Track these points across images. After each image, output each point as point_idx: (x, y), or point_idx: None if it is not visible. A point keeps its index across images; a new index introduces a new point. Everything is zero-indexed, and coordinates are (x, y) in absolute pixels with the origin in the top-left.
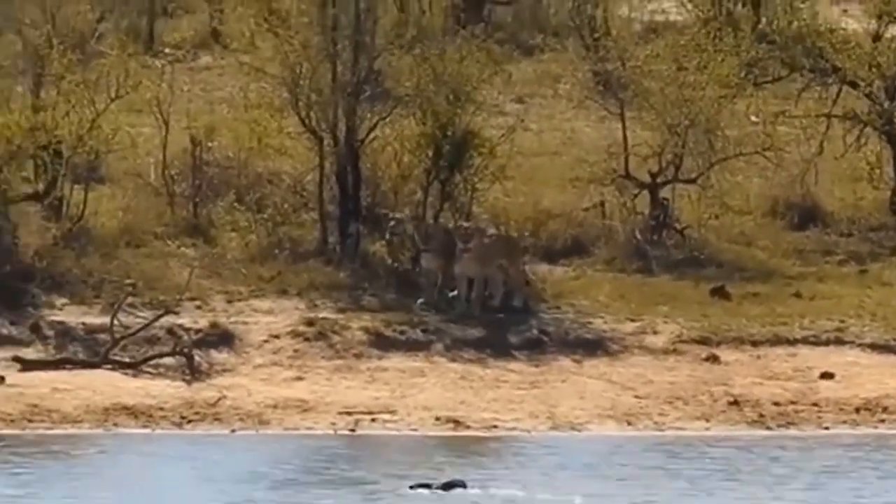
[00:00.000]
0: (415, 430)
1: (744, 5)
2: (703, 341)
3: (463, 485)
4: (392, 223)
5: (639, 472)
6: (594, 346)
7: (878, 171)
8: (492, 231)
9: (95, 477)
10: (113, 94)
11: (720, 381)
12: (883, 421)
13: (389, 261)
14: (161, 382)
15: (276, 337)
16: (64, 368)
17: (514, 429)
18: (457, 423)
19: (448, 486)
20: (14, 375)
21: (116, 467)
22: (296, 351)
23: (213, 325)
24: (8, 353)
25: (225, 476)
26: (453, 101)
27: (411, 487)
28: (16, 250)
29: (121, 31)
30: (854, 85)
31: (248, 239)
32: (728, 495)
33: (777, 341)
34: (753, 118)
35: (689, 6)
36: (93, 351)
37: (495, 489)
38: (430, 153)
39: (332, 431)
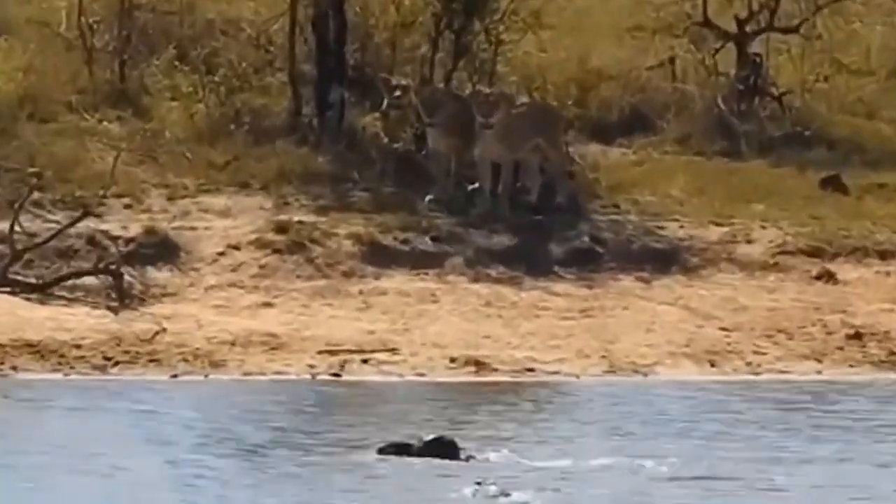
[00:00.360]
0: (423, 374)
1: None
2: (813, 252)
3: (452, 449)
4: (397, 93)
5: (736, 432)
6: (666, 260)
7: None
8: (523, 99)
9: None
10: None
11: (837, 308)
12: None
13: (385, 140)
14: (78, 311)
15: (236, 248)
16: None
17: (557, 372)
18: (480, 364)
19: (429, 450)
20: None
21: (19, 424)
22: (262, 267)
23: (150, 231)
24: None
25: (161, 436)
26: None
27: (380, 451)
28: None
29: None
30: None
31: (195, 110)
32: (873, 460)
33: None
34: None
35: None
36: None
37: (521, 456)
38: None
39: (310, 377)
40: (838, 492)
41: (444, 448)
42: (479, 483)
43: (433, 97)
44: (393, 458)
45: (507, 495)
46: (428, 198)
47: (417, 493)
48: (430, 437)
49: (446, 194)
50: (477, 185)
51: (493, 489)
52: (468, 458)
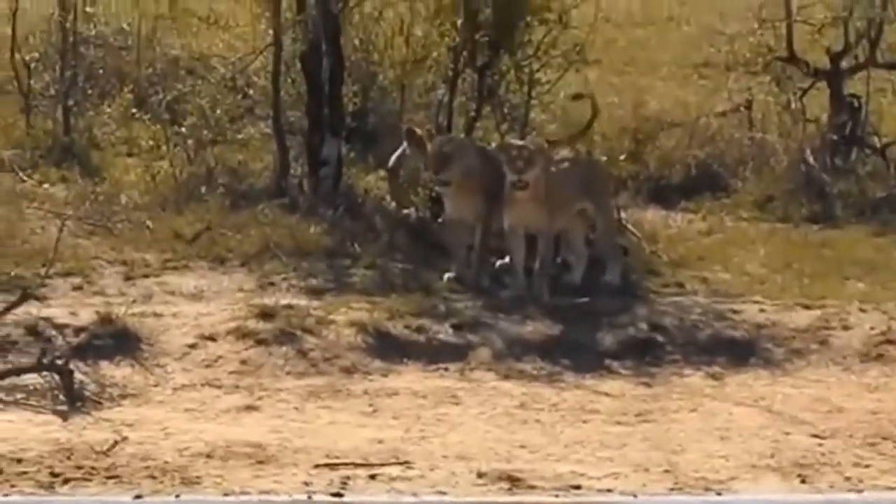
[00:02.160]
0: (443, 493)
1: None
2: None
3: None
4: (403, 151)
5: None
6: (743, 351)
7: None
8: (564, 153)
9: None
10: None
11: None
12: None
13: (393, 205)
14: (19, 416)
15: (210, 339)
16: None
17: (609, 490)
18: (514, 480)
19: None
20: None
21: None
22: (243, 363)
23: (104, 319)
24: None
25: None
26: None
27: None
28: None
29: None
30: None
31: (157, 168)
32: None
33: None
34: None
35: None
36: None
37: None
38: (460, 23)
39: (305, 496)
40: None
41: None
42: None
43: (447, 148)
44: None
45: None
46: (446, 276)
47: None
48: None
49: (469, 272)
50: (507, 259)
51: None
52: None
